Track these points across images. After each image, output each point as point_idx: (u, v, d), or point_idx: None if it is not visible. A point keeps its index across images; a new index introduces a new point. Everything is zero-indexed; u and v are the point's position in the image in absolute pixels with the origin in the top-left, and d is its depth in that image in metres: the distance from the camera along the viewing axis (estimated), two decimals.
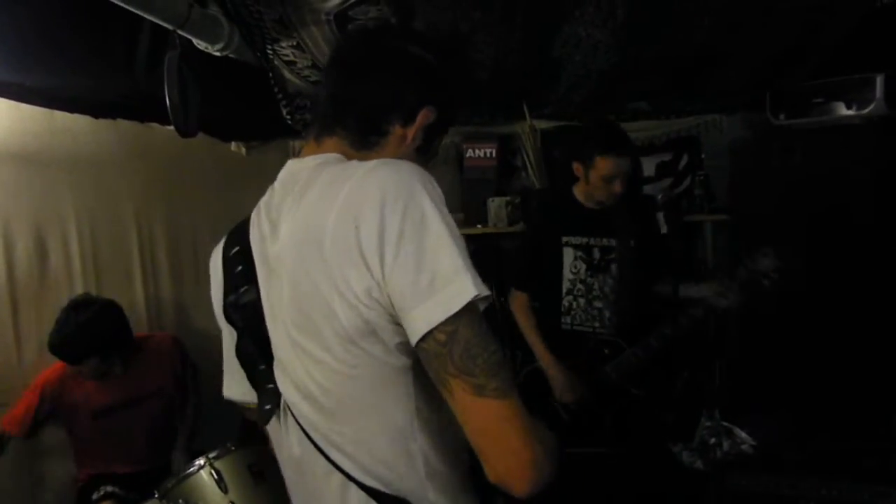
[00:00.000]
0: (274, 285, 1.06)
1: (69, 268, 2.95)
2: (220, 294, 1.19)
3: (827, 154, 3.20)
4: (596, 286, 2.81)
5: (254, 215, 1.15)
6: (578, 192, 2.84)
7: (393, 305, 0.93)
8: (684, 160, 3.79)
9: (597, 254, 2.82)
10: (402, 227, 0.91)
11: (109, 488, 2.68)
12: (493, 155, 3.75)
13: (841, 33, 2.43)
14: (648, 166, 3.81)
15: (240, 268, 1.13)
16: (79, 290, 2.95)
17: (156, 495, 2.33)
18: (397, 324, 0.95)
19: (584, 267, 2.82)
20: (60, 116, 2.84)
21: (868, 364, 2.92)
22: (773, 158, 3.45)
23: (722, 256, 3.67)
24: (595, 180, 2.68)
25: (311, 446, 1.06)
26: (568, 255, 2.84)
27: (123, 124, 3.04)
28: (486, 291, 0.92)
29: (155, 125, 3.16)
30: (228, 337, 1.22)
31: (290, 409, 1.08)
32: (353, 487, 1.03)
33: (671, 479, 2.42)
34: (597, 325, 2.82)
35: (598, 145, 2.65)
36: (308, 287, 0.97)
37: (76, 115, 2.86)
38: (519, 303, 2.90)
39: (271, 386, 1.10)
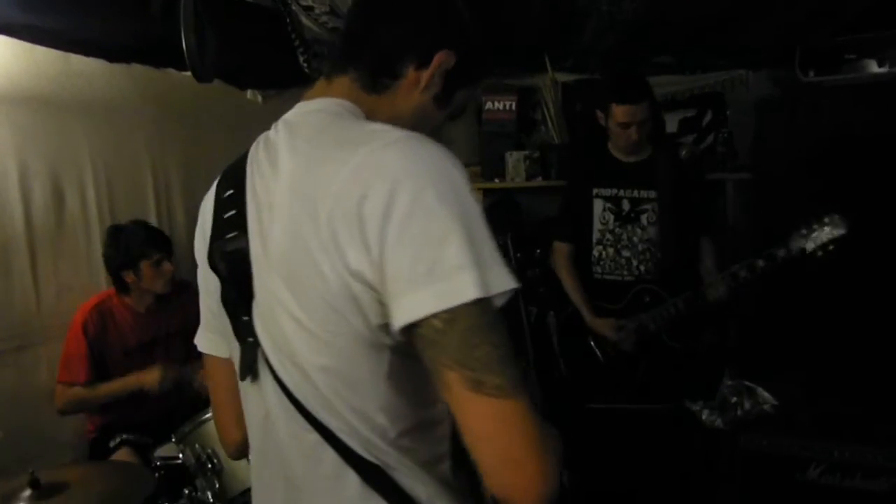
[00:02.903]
0: (266, 233, 0.97)
1: (85, 213, 2.94)
2: (205, 238, 1.10)
3: (855, 113, 3.12)
4: (624, 236, 2.88)
5: (251, 155, 1.06)
6: (611, 144, 2.91)
7: (385, 287, 0.84)
8: (708, 117, 3.72)
9: (626, 205, 2.88)
10: (413, 207, 0.82)
11: (125, 436, 2.72)
12: (513, 108, 3.70)
13: None
14: (671, 122, 3.74)
15: (232, 212, 1.04)
16: (95, 235, 2.96)
17: (172, 439, 2.36)
18: (382, 304, 0.87)
19: (612, 217, 2.90)
20: (75, 60, 2.80)
21: (885, 328, 2.89)
22: (800, 116, 3.37)
23: (742, 216, 3.62)
24: (613, 128, 2.78)
25: (288, 403, 0.98)
26: (598, 206, 2.92)
27: (139, 69, 3.00)
28: (497, 289, 0.83)
29: (171, 71, 3.12)
30: (204, 284, 1.16)
31: (268, 364, 1.00)
32: (327, 447, 0.96)
33: (687, 436, 2.43)
34: (625, 273, 2.90)
35: (613, 94, 2.75)
36: (299, 244, 0.90)
37: (91, 60, 2.81)
38: (561, 254, 3.03)
39: (253, 339, 1.02)
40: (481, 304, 0.81)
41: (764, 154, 3.61)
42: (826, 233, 2.48)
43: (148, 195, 3.22)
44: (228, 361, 1.14)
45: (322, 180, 0.89)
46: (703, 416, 2.28)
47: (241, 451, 1.22)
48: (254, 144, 1.07)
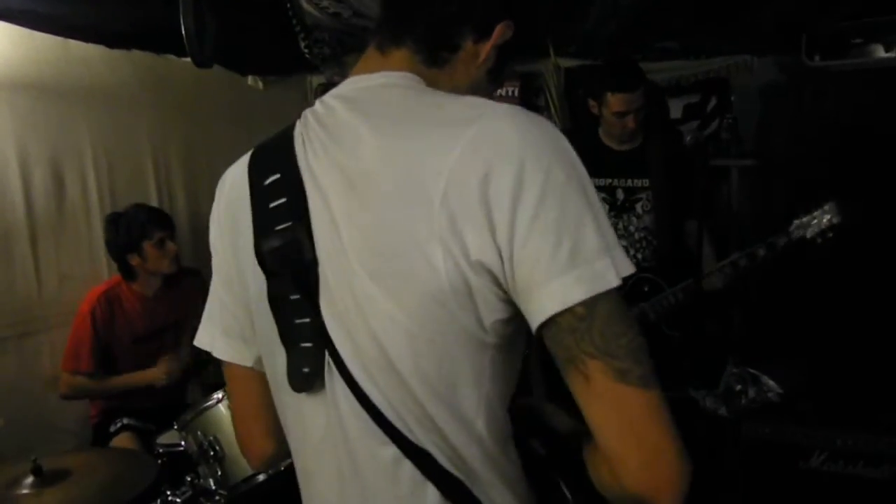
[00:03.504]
0: (340, 222, 0.86)
1: (86, 200, 2.94)
2: (236, 232, 0.99)
3: (862, 98, 3.09)
4: (620, 226, 2.85)
5: (299, 136, 0.94)
6: (603, 133, 2.86)
7: (516, 278, 0.78)
8: (712, 102, 3.69)
9: (620, 194, 2.84)
10: (545, 189, 0.77)
11: (126, 420, 2.74)
12: (516, 94, 3.67)
13: None
14: (675, 108, 3.72)
15: (282, 200, 0.91)
16: (96, 222, 2.96)
17: (175, 427, 2.36)
18: (502, 300, 0.81)
19: (607, 208, 2.85)
20: (75, 46, 2.80)
21: (889, 316, 2.88)
22: (805, 102, 3.34)
23: (746, 203, 3.60)
24: (608, 117, 2.72)
25: (366, 415, 0.87)
26: None
27: (139, 55, 2.99)
28: (625, 272, 0.78)
29: (171, 57, 3.11)
30: (224, 281, 1.05)
31: (342, 371, 0.88)
32: (406, 462, 0.87)
33: (690, 424, 2.43)
34: None
35: (607, 81, 2.69)
36: (401, 233, 0.80)
37: (91, 46, 2.81)
38: None
39: (308, 345, 0.90)
40: (617, 290, 0.78)
41: (769, 140, 3.58)
42: (825, 220, 2.46)
43: (149, 181, 3.22)
44: (252, 370, 1.05)
45: (428, 159, 0.80)
46: (707, 405, 2.27)
47: (270, 464, 1.15)
48: (298, 124, 0.96)
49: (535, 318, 0.79)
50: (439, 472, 0.87)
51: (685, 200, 2.80)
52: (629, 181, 2.82)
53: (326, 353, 0.89)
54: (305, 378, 0.91)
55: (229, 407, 2.27)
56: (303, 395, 0.93)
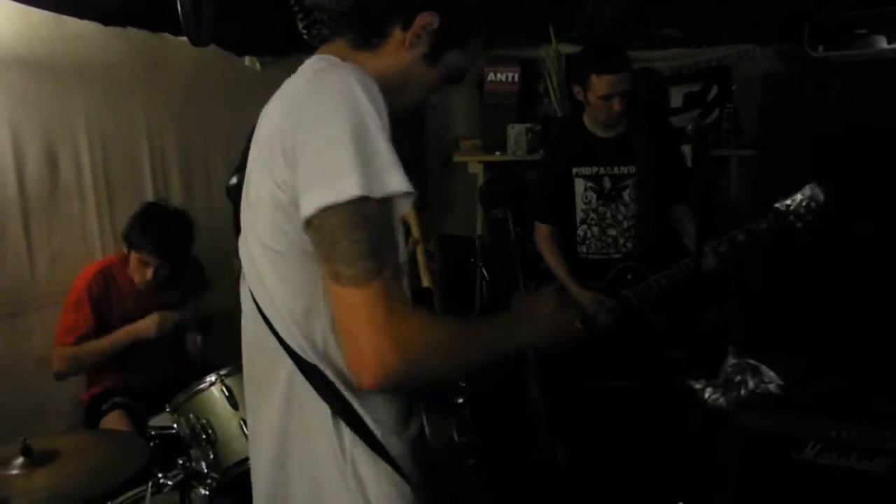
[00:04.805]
0: (249, 166, 1.14)
1: (80, 181, 2.91)
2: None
3: (865, 89, 3.07)
4: (608, 215, 2.83)
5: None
6: (588, 119, 2.83)
7: (295, 192, 0.98)
8: (713, 91, 3.67)
9: (607, 182, 2.82)
10: (316, 118, 0.97)
11: (118, 399, 2.72)
12: (516, 80, 3.65)
13: None
14: (676, 97, 3.70)
15: (244, 150, 1.20)
16: (89, 202, 2.92)
17: (167, 409, 2.35)
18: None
19: (594, 196, 2.84)
20: (70, 23, 2.75)
21: (886, 307, 2.88)
22: (807, 93, 3.32)
23: (745, 193, 3.59)
24: (594, 101, 2.69)
25: (256, 309, 1.13)
26: (579, 185, 2.85)
27: (134, 33, 2.95)
28: (383, 191, 0.94)
29: (167, 35, 3.07)
30: None
31: (243, 274, 1.17)
32: (281, 351, 1.09)
33: (684, 415, 2.42)
34: (612, 251, 2.85)
35: (591, 65, 2.67)
36: (257, 172, 1.08)
37: (86, 22, 2.77)
38: (541, 234, 2.96)
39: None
40: (357, 203, 0.92)
41: (770, 131, 3.57)
42: (805, 202, 2.43)
43: (143, 160, 3.19)
44: None
45: (278, 113, 1.06)
46: (706, 395, 2.26)
47: None
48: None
49: (301, 224, 0.97)
50: (301, 361, 1.08)
51: (671, 184, 2.78)
52: (615, 168, 2.80)
53: None
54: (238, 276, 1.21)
55: (221, 391, 2.27)
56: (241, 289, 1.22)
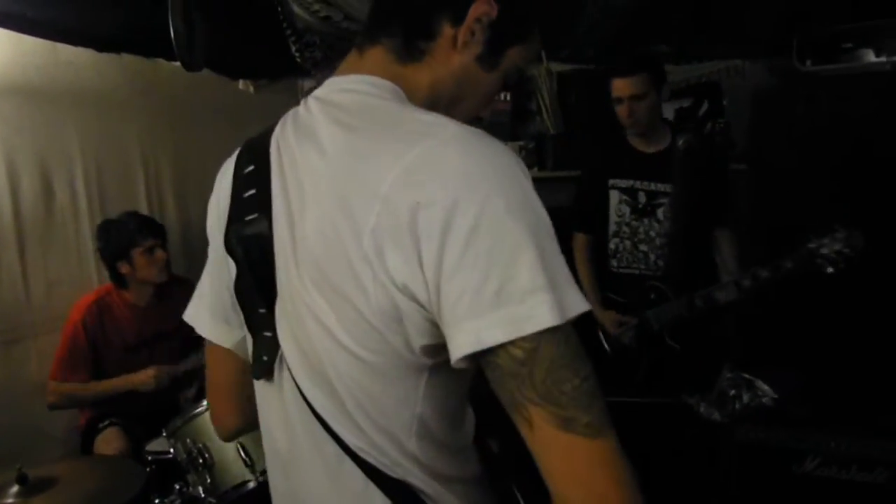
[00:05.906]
0: (295, 221, 0.85)
1: (75, 206, 2.92)
2: (222, 217, 1.00)
3: (853, 103, 3.09)
4: (641, 230, 2.82)
5: (278, 131, 0.95)
6: (629, 133, 2.81)
7: (441, 310, 0.74)
8: (704, 107, 3.69)
9: (642, 197, 2.80)
10: (479, 221, 0.71)
11: (114, 419, 2.71)
12: (508, 98, 3.66)
13: None
14: (667, 112, 3.71)
15: (252, 191, 0.92)
16: (85, 228, 2.93)
17: (164, 434, 2.33)
18: (433, 324, 0.78)
19: (628, 210, 2.82)
20: (63, 50, 2.77)
21: (884, 320, 2.87)
22: (797, 107, 3.34)
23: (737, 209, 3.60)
24: (616, 107, 2.69)
25: (308, 410, 0.89)
26: (613, 196, 2.84)
27: (128, 59, 2.97)
28: (573, 313, 0.73)
29: (161, 61, 3.09)
30: (216, 266, 1.07)
31: (287, 365, 0.91)
32: (348, 461, 0.88)
33: (684, 430, 2.41)
34: (642, 267, 2.84)
35: (610, 69, 2.71)
36: (336, 250, 0.79)
37: (79, 49, 2.78)
38: (578, 245, 2.99)
39: (269, 334, 0.92)
40: (561, 330, 0.72)
41: (761, 144, 3.58)
42: (838, 248, 2.31)
43: (139, 186, 3.20)
44: (231, 352, 1.08)
45: (368, 179, 0.77)
46: (701, 410, 2.26)
47: (236, 436, 1.20)
48: (281, 120, 0.96)
49: (452, 356, 0.75)
50: (381, 476, 0.87)
51: (711, 208, 2.71)
52: (651, 184, 2.77)
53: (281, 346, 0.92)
54: (264, 366, 0.94)
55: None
56: (263, 381, 0.98)
